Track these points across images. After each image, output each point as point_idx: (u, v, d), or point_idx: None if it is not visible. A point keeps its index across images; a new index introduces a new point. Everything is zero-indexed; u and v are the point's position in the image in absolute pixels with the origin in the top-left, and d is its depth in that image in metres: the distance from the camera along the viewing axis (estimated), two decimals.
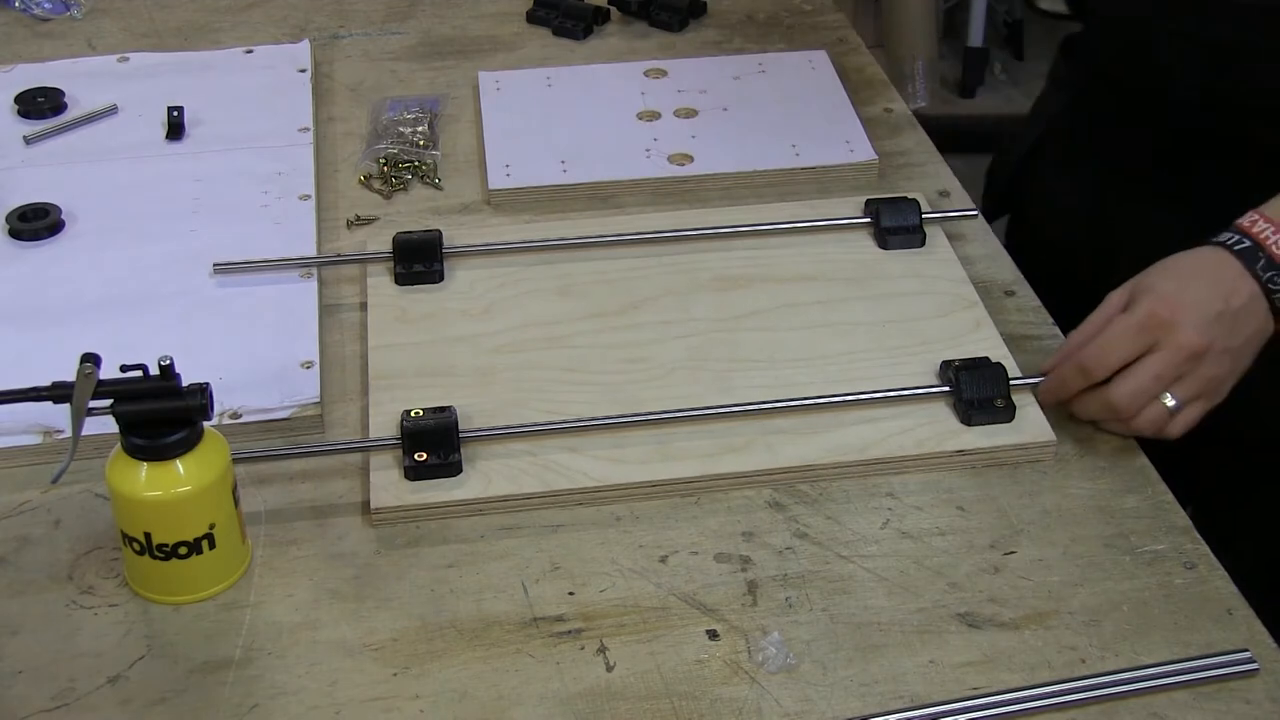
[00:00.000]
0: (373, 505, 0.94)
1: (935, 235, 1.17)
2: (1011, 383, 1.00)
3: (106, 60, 1.42)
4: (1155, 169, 1.17)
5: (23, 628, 0.87)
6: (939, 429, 0.99)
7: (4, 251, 1.16)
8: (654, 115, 1.33)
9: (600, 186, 1.25)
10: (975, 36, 3.23)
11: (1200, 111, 1.12)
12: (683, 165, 1.27)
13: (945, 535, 0.93)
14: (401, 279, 1.12)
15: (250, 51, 1.44)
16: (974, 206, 1.21)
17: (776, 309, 1.10)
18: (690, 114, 1.33)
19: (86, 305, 1.10)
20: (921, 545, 0.92)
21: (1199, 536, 0.93)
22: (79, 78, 1.38)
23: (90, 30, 1.50)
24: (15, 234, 1.17)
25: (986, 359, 1.02)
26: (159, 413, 0.84)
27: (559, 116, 1.33)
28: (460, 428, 0.96)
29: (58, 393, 0.86)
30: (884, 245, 1.16)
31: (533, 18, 1.51)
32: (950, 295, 1.11)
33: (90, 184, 1.24)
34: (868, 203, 1.19)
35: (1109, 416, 0.98)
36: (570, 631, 0.87)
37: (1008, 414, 0.99)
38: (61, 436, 0.97)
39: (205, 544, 0.87)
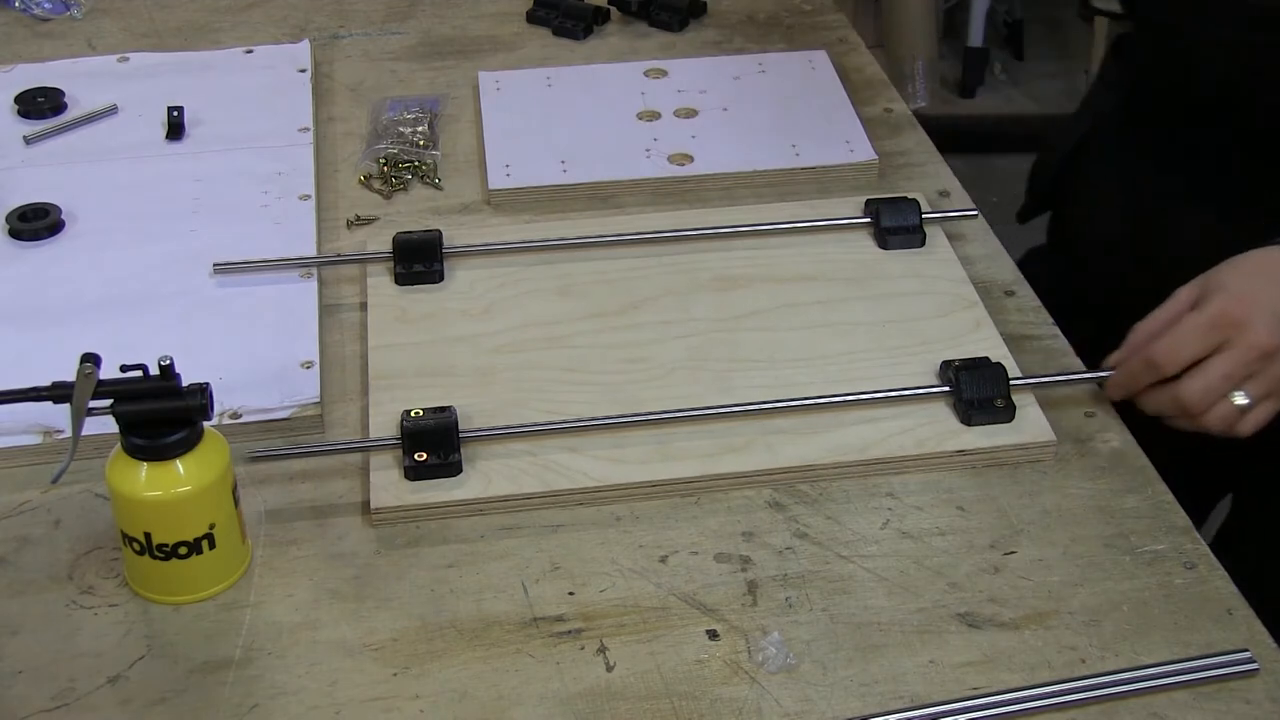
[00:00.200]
0: (373, 505, 0.94)
1: (935, 235, 1.17)
2: (1011, 383, 1.00)
3: (106, 60, 1.42)
4: (1200, 169, 1.17)
5: (23, 628, 0.87)
6: (939, 429, 0.99)
7: (4, 251, 1.16)
8: (654, 115, 1.33)
9: (600, 186, 1.25)
10: (975, 36, 3.23)
11: (1242, 113, 1.12)
12: (683, 165, 1.27)
13: (945, 535, 0.93)
14: (401, 279, 1.12)
15: (250, 51, 1.44)
16: (974, 206, 1.21)
17: (776, 309, 1.10)
18: (690, 114, 1.33)
19: (86, 305, 1.10)
20: (921, 545, 0.92)
21: (1199, 536, 0.93)
22: (79, 78, 1.38)
23: (90, 30, 1.50)
24: (15, 234, 1.17)
25: (986, 359, 1.02)
26: (159, 413, 0.84)
27: (559, 116, 1.33)
28: (460, 428, 0.96)
29: (58, 393, 0.86)
30: (884, 245, 1.16)
31: (533, 18, 1.51)
32: (950, 295, 1.11)
33: (90, 184, 1.24)
34: (868, 203, 1.19)
35: (1178, 413, 0.97)
36: (570, 631, 0.87)
37: (1008, 414, 0.99)
38: (61, 436, 0.97)
39: (205, 544, 0.87)
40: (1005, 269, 1.17)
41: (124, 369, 0.84)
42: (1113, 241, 1.25)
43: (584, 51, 1.47)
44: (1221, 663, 0.83)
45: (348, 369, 1.06)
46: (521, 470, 0.96)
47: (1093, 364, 1.04)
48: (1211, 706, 0.82)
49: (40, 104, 1.33)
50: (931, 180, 1.28)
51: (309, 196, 1.23)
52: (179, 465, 0.85)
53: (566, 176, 1.25)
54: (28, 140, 1.30)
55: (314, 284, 1.12)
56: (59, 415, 0.89)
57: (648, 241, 1.16)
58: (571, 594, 0.89)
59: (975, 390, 1.00)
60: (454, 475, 0.95)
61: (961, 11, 3.30)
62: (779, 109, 1.34)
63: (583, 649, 0.85)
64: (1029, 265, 1.37)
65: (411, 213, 1.23)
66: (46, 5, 1.53)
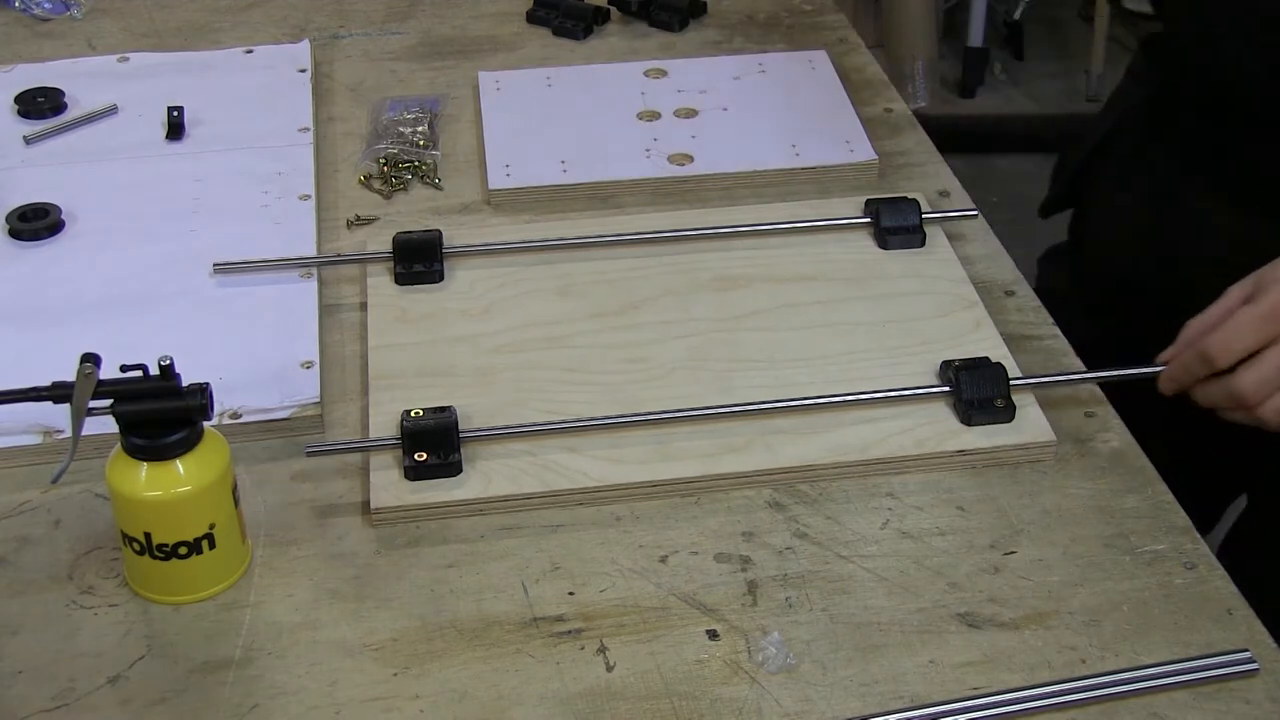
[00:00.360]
0: (373, 505, 0.94)
1: (935, 235, 1.17)
2: (1011, 383, 1.00)
3: (106, 60, 1.42)
4: (1226, 167, 1.17)
5: (23, 628, 0.87)
6: (939, 429, 0.99)
7: (4, 251, 1.16)
8: (654, 115, 1.33)
9: (600, 186, 1.25)
10: (975, 36, 3.24)
11: (1271, 112, 1.12)
12: (683, 165, 1.27)
13: (945, 535, 0.93)
14: (401, 279, 1.12)
15: (250, 51, 1.44)
16: (974, 206, 1.21)
17: (776, 309, 1.10)
18: (690, 114, 1.33)
19: (86, 305, 1.10)
20: (921, 545, 0.92)
21: (1199, 536, 0.93)
22: (79, 78, 1.38)
23: (90, 30, 1.50)
24: (15, 234, 1.17)
25: (986, 359, 1.02)
26: (159, 413, 0.84)
27: (559, 116, 1.33)
28: (460, 428, 0.96)
29: (58, 393, 0.86)
30: (884, 245, 1.16)
31: (533, 18, 1.51)
32: (950, 295, 1.11)
33: (90, 184, 1.24)
34: (868, 203, 1.19)
35: (1233, 405, 0.97)
36: (570, 631, 0.87)
37: (1008, 414, 0.99)
38: (61, 436, 0.97)
39: (205, 544, 0.87)
40: (1005, 269, 1.17)
41: (124, 369, 0.84)
42: (1135, 239, 1.25)
43: (584, 51, 1.47)
44: (1221, 663, 0.83)
45: (348, 369, 1.06)
46: (521, 470, 0.96)
47: (1109, 360, 1.03)
48: (1211, 706, 0.82)
49: (40, 104, 1.33)
50: (931, 180, 1.28)
51: (309, 196, 1.23)
52: (179, 465, 0.85)
53: (566, 176, 1.25)
54: (28, 140, 1.30)
55: (314, 284, 1.12)
56: (59, 415, 0.89)
57: (648, 241, 1.16)
58: (571, 594, 0.89)
59: (975, 390, 1.00)
60: (454, 475, 0.95)
61: (961, 11, 3.30)
62: (779, 109, 1.34)
63: (583, 649, 0.85)
64: (1049, 262, 1.37)
65: (411, 213, 1.23)
66: (46, 5, 1.53)
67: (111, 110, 1.34)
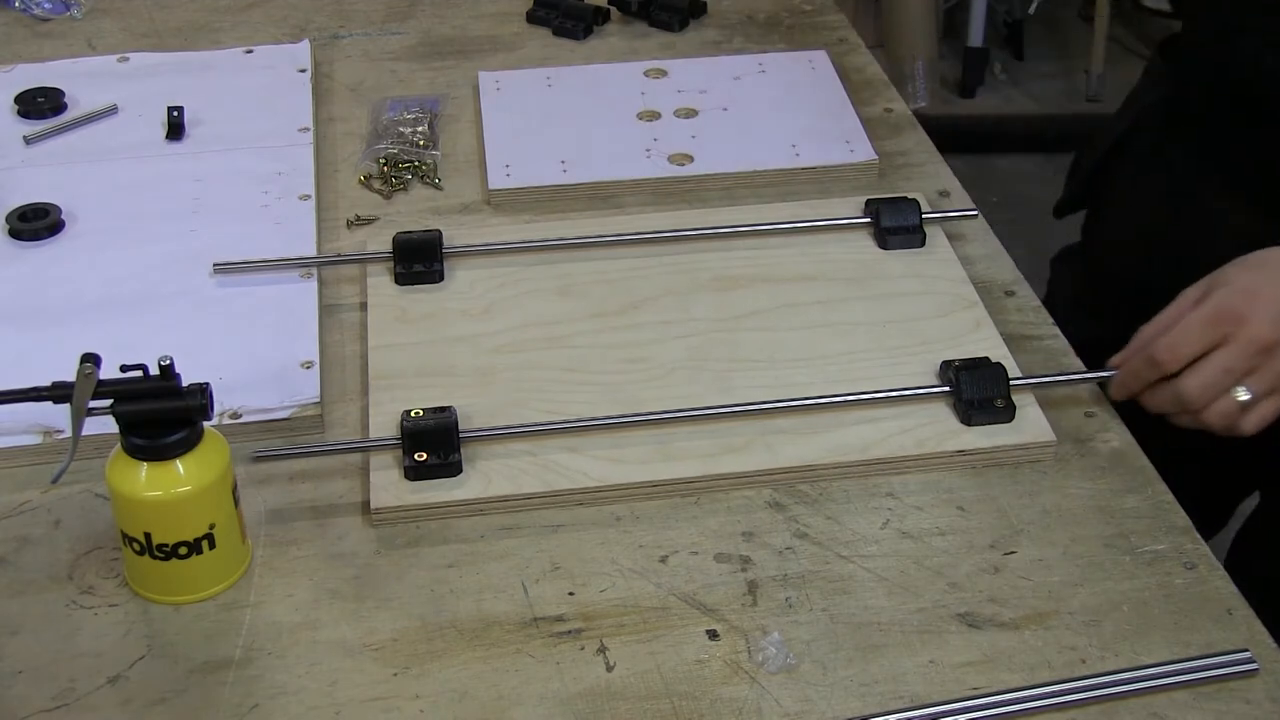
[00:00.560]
0: (373, 505, 0.94)
1: (935, 235, 1.17)
2: (1011, 383, 1.00)
3: (106, 60, 1.42)
4: (1242, 168, 1.17)
5: (23, 628, 0.87)
6: (939, 429, 0.99)
7: (4, 251, 1.16)
8: (654, 115, 1.33)
9: (600, 186, 1.25)
10: (975, 36, 3.23)
11: None
12: (683, 165, 1.27)
13: (945, 535, 0.93)
14: (401, 279, 1.12)
15: (250, 51, 1.44)
16: (974, 206, 1.21)
17: (776, 309, 1.10)
18: (690, 114, 1.33)
19: (86, 305, 1.10)
20: (921, 545, 0.92)
21: (1199, 536, 0.93)
22: (79, 78, 1.38)
23: (90, 30, 1.50)
24: (15, 234, 1.17)
25: (986, 359, 1.02)
26: (159, 413, 0.84)
27: (559, 116, 1.33)
28: (460, 428, 0.96)
29: (58, 393, 0.86)
30: (884, 245, 1.16)
31: (533, 18, 1.51)
32: (950, 295, 1.11)
33: (90, 184, 1.24)
34: (868, 203, 1.19)
35: (1179, 409, 0.96)
36: (570, 631, 0.87)
37: (1008, 414, 0.99)
38: (61, 436, 0.97)
39: (205, 544, 0.87)
40: (1005, 269, 1.17)
41: (124, 369, 0.84)
42: (1149, 239, 1.25)
43: (584, 51, 1.47)
44: (1221, 663, 0.83)
45: (348, 369, 1.06)
46: (521, 470, 0.96)
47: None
48: (1211, 706, 0.82)
49: (40, 104, 1.33)
50: (931, 180, 1.28)
51: (309, 196, 1.23)
52: (179, 465, 0.85)
53: (566, 176, 1.25)
54: (28, 140, 1.30)
55: (314, 284, 1.12)
56: (59, 415, 0.89)
57: (648, 241, 1.16)
58: (571, 594, 0.89)
59: (975, 390, 1.00)
60: (454, 475, 0.95)
61: (961, 11, 3.30)
62: (779, 109, 1.34)
63: (583, 649, 0.85)
64: (1063, 263, 1.36)
65: (411, 213, 1.23)
66: (46, 5, 1.53)
67: (111, 110, 1.34)
